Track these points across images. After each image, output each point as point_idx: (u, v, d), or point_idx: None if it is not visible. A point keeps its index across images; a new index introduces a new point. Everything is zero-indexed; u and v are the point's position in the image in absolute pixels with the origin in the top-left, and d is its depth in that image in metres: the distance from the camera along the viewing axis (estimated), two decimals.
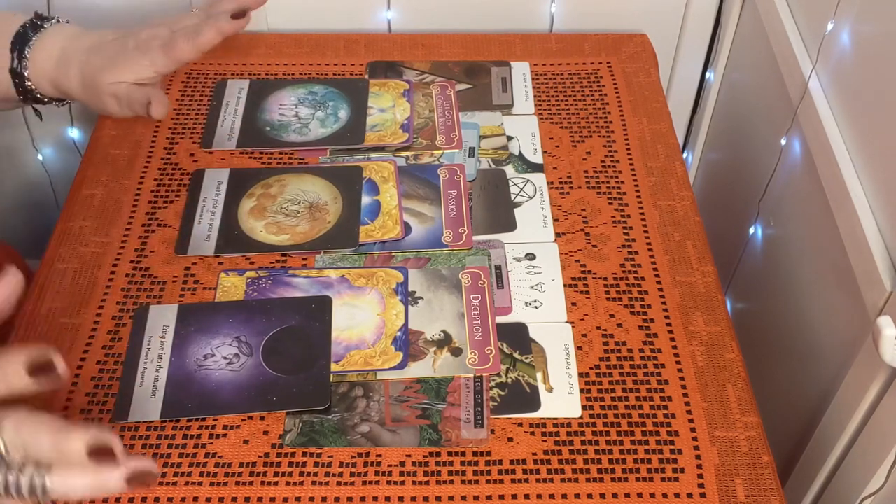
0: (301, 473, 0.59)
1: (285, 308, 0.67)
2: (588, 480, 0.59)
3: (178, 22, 0.79)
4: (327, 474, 0.59)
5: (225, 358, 0.64)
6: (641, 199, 0.77)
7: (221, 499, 0.58)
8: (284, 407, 0.62)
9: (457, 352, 0.65)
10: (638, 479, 0.59)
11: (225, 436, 0.61)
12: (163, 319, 0.67)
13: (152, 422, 0.61)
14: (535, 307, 0.69)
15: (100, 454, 0.50)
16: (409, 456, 0.60)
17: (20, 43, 0.75)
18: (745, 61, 0.98)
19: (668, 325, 0.68)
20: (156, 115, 0.78)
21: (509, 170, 0.79)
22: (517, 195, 0.77)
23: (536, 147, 0.81)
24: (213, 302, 0.68)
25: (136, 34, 0.77)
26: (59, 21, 0.77)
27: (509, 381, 0.64)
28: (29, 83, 0.76)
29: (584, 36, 0.93)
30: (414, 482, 0.59)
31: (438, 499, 0.58)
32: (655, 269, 0.71)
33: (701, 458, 0.60)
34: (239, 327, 0.66)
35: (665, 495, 0.58)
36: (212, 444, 0.60)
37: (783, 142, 0.84)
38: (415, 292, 0.69)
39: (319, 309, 0.67)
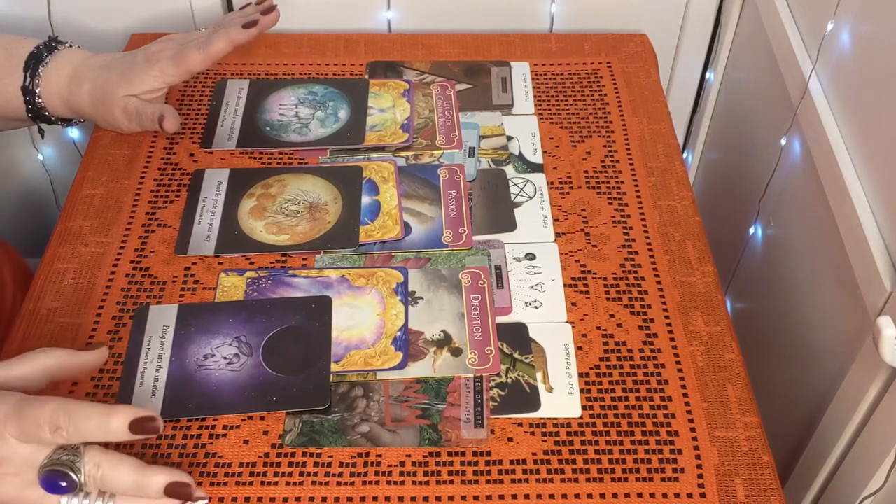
0: (301, 473, 0.59)
1: (285, 308, 0.67)
2: (588, 480, 0.59)
3: (186, 38, 0.81)
4: (327, 474, 0.59)
5: (225, 358, 0.64)
6: (641, 199, 0.77)
7: (221, 499, 0.58)
8: (284, 407, 0.62)
9: (457, 352, 0.65)
10: (638, 479, 0.59)
11: (225, 436, 0.61)
12: (163, 319, 0.67)
13: None
14: (535, 307, 0.69)
15: (177, 490, 0.55)
16: (409, 456, 0.60)
17: (34, 62, 0.77)
18: (745, 61, 0.98)
19: (668, 325, 0.68)
20: (169, 129, 0.78)
21: (509, 170, 0.79)
22: (517, 195, 0.77)
23: (536, 147, 0.81)
24: (213, 302, 0.68)
25: (145, 49, 0.80)
26: (71, 46, 0.79)
27: (509, 381, 0.64)
28: (40, 101, 0.77)
29: (584, 36, 0.93)
30: (414, 482, 0.59)
31: (438, 499, 0.58)
32: (655, 269, 0.71)
33: (701, 458, 0.60)
34: (239, 327, 0.66)
35: (665, 495, 0.58)
36: (212, 444, 0.60)
37: (783, 142, 0.84)
38: (415, 292, 0.69)
39: (319, 309, 0.67)
